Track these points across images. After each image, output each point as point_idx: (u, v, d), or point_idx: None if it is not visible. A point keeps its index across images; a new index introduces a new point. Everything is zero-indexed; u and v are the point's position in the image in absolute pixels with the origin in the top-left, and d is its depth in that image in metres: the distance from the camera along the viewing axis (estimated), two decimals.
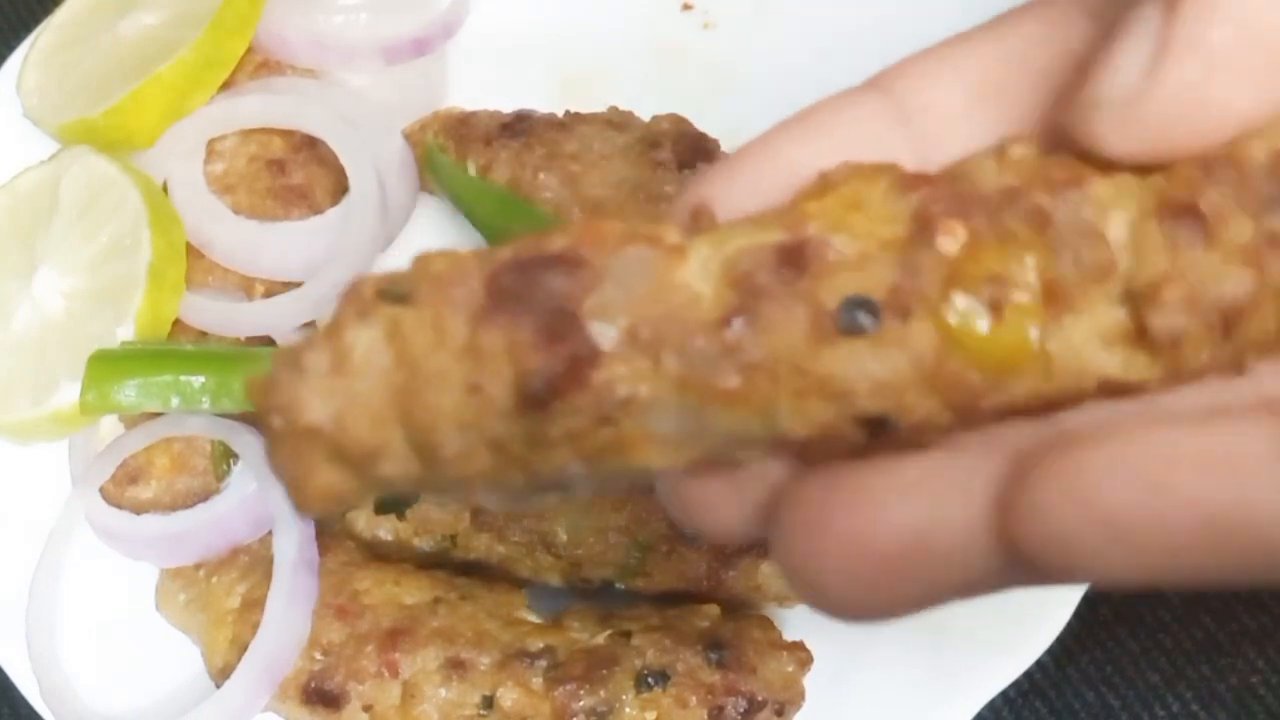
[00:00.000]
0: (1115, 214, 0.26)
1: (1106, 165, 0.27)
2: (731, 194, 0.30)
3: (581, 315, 0.25)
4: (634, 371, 0.26)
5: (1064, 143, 0.28)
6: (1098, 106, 0.27)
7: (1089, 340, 0.26)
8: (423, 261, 0.26)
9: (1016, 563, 0.26)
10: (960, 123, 0.30)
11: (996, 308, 0.26)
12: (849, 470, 0.28)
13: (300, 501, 0.27)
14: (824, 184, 0.28)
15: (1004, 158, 0.27)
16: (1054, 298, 0.26)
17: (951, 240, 0.26)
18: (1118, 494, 0.24)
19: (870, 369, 0.26)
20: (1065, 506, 0.25)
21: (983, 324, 0.26)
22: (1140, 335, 0.26)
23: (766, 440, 0.27)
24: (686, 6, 0.87)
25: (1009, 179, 0.27)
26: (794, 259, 0.26)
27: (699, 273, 0.26)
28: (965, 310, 0.26)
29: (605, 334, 0.25)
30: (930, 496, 0.27)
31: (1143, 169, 0.27)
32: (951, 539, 0.27)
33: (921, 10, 0.83)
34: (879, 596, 0.27)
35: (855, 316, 0.26)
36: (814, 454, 0.28)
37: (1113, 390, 0.27)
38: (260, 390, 0.27)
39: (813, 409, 0.26)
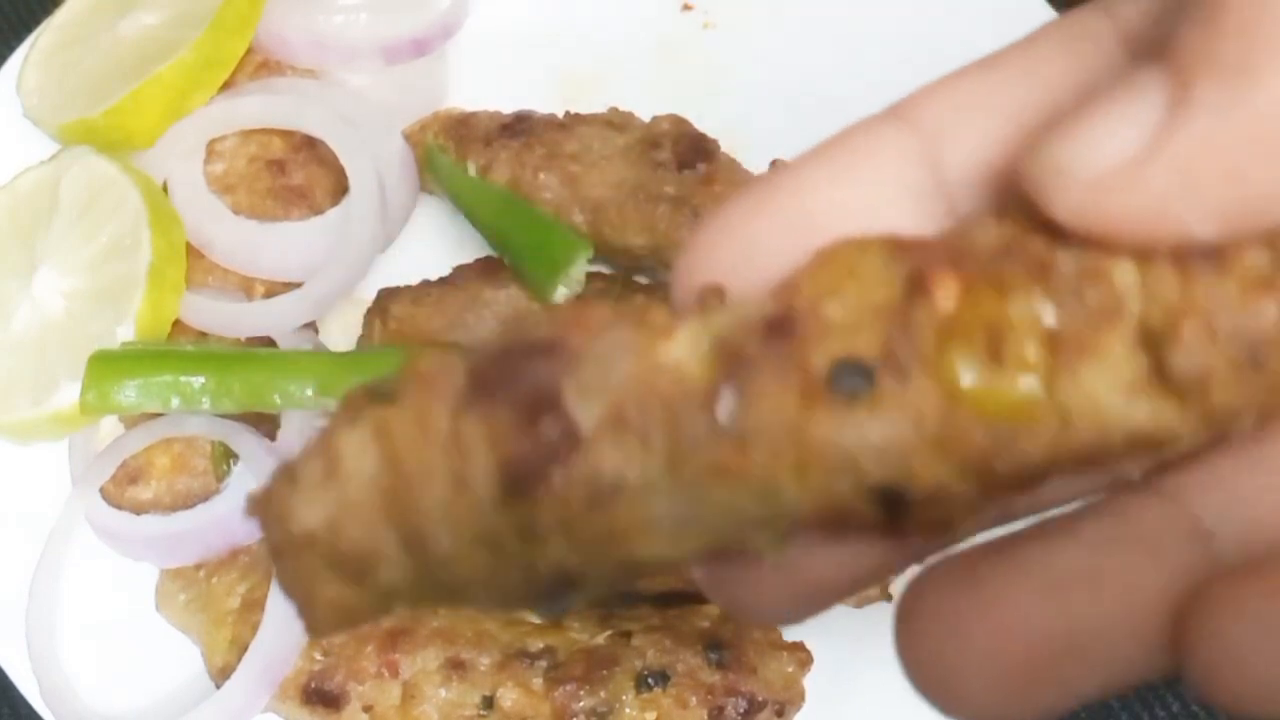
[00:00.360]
0: (1120, 256, 0.25)
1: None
2: (739, 247, 0.28)
3: (562, 396, 0.25)
4: (620, 452, 0.25)
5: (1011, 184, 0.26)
6: (1060, 175, 0.24)
7: (1108, 390, 0.25)
8: (410, 361, 0.26)
9: (1187, 672, 0.25)
10: (987, 166, 0.28)
11: (996, 359, 0.24)
12: (981, 560, 0.26)
13: (311, 622, 0.27)
14: (819, 258, 0.27)
15: (1004, 216, 0.26)
16: (1060, 345, 0.25)
17: (945, 293, 0.25)
18: None
19: (869, 434, 0.25)
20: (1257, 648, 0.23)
21: (983, 377, 0.25)
22: (1163, 379, 0.25)
23: (776, 522, 0.26)
24: (686, 6, 0.87)
25: (1008, 233, 0.26)
26: (782, 327, 0.25)
27: (687, 350, 0.25)
28: (963, 364, 0.25)
29: (587, 414, 0.25)
30: (1087, 594, 0.26)
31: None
32: (1112, 641, 0.25)
33: (922, 10, 0.83)
34: (1024, 700, 0.26)
35: (847, 378, 0.25)
36: (843, 536, 0.27)
37: (1146, 444, 0.25)
38: (258, 505, 0.27)
39: (815, 482, 0.25)
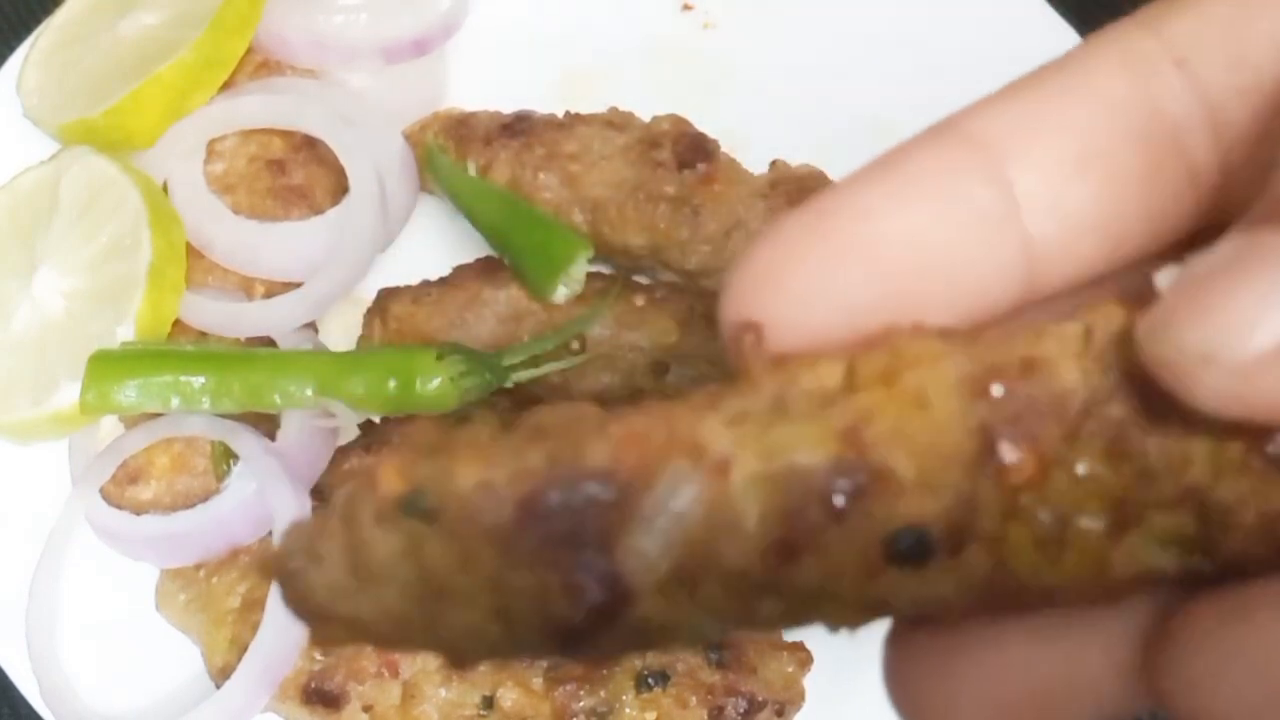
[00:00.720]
0: (1201, 436, 0.24)
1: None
2: (796, 281, 0.26)
3: (617, 558, 0.24)
4: (671, 605, 0.25)
5: (1140, 365, 0.24)
6: (1208, 362, 0.22)
7: (1150, 544, 0.25)
8: (449, 470, 0.25)
9: (1167, 707, 0.25)
10: (1059, 191, 0.26)
11: (1058, 542, 0.24)
12: (971, 625, 0.27)
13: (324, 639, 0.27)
14: (886, 351, 0.25)
15: (1089, 343, 0.25)
16: (1122, 522, 0.24)
17: (1018, 471, 0.24)
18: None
19: (915, 592, 0.25)
20: (1223, 677, 0.24)
21: (1041, 557, 0.25)
22: (1206, 547, 0.25)
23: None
24: (686, 6, 0.87)
25: (1091, 377, 0.24)
26: (850, 487, 0.24)
27: (744, 493, 0.24)
28: (1023, 545, 0.25)
29: (643, 576, 0.24)
30: (1068, 644, 0.26)
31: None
32: (1091, 685, 0.26)
33: (922, 11, 0.83)
34: None
35: (908, 551, 0.24)
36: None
37: (1165, 581, 0.25)
38: (277, 568, 0.26)
39: (849, 619, 0.26)
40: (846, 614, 0.26)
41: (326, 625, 0.26)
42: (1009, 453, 0.24)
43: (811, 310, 0.26)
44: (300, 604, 0.26)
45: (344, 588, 0.25)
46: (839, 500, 0.24)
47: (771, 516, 0.24)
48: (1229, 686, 0.24)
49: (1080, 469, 0.24)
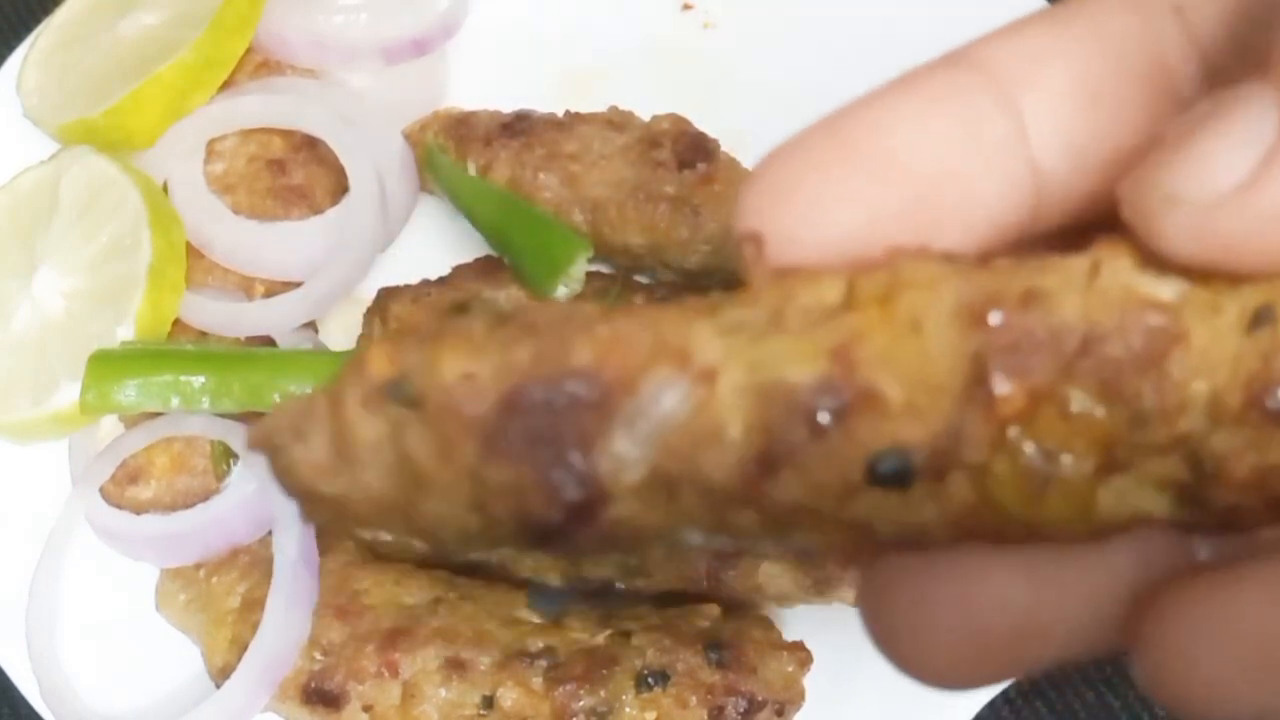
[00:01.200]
0: (1198, 383, 0.24)
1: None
2: (811, 189, 0.26)
3: (595, 459, 0.24)
4: (648, 509, 0.25)
5: (1121, 219, 0.25)
6: (1172, 202, 0.23)
7: (1139, 487, 0.25)
8: (435, 359, 0.25)
9: (1138, 664, 0.25)
10: (1066, 123, 0.27)
11: (1045, 479, 0.24)
12: (951, 554, 0.26)
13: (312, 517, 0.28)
14: (887, 271, 0.25)
15: (1094, 280, 0.25)
16: (1110, 465, 0.24)
17: (1007, 403, 0.24)
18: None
19: (895, 516, 0.25)
20: (1207, 649, 0.24)
21: (1025, 491, 0.24)
22: (1197, 495, 0.24)
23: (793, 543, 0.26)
24: (686, 6, 0.87)
25: (1093, 313, 0.24)
26: (835, 405, 0.24)
27: (729, 403, 0.24)
28: (1008, 477, 0.24)
29: (621, 479, 0.24)
30: (1049, 583, 0.26)
31: (1206, 275, 0.24)
32: (1066, 626, 0.26)
33: (922, 10, 0.83)
34: (982, 670, 0.26)
35: (888, 474, 0.24)
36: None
37: (1154, 524, 0.25)
38: (261, 440, 0.26)
39: (831, 539, 0.26)
40: (824, 534, 0.25)
41: (311, 502, 0.26)
42: (1000, 384, 0.24)
43: (820, 223, 0.25)
44: (286, 479, 0.26)
45: (328, 467, 0.25)
46: (823, 418, 0.24)
47: (754, 429, 0.24)
48: (1208, 657, 0.24)
49: (1072, 407, 0.24)
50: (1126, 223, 0.24)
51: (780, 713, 0.65)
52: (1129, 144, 0.26)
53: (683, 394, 0.24)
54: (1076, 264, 0.25)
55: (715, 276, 0.77)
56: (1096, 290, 0.24)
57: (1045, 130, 0.26)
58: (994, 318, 0.24)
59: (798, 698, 0.65)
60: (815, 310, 0.25)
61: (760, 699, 0.64)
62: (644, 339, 0.24)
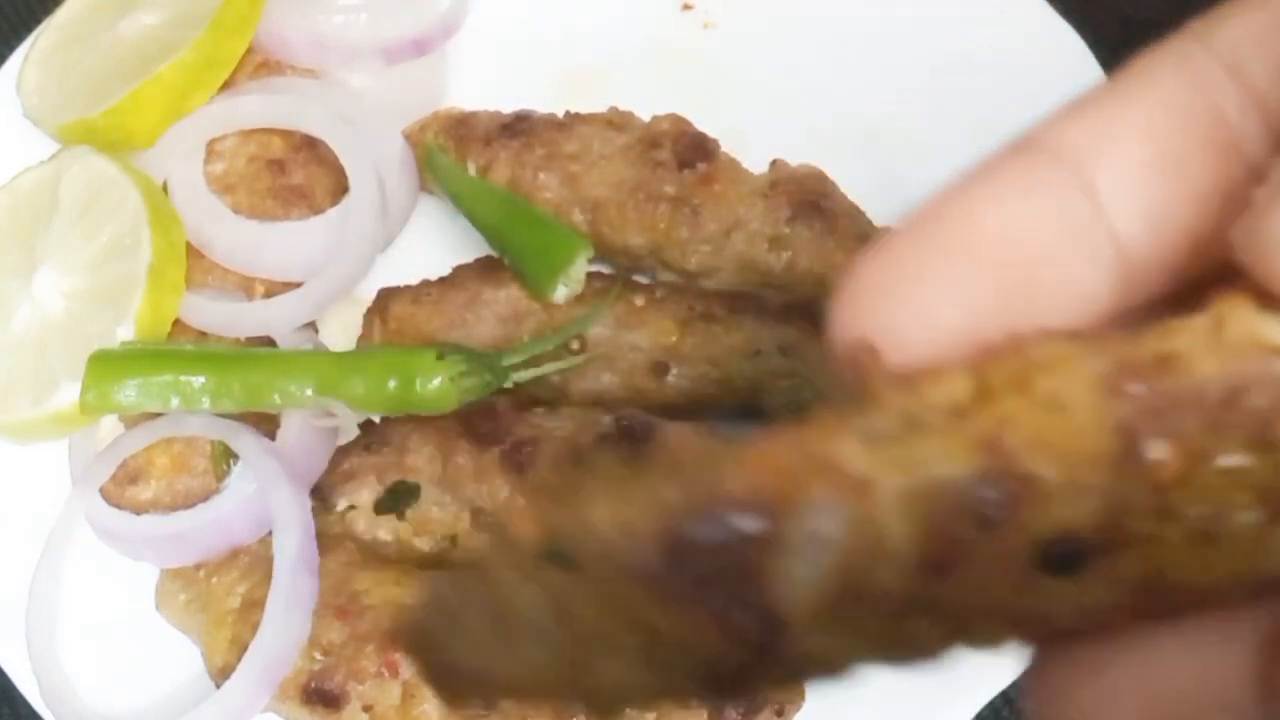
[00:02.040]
0: None
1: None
2: (905, 291, 0.26)
3: (768, 590, 0.23)
4: (824, 636, 0.24)
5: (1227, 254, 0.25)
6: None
7: None
8: (585, 514, 0.24)
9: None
10: (1143, 196, 0.27)
11: (1213, 538, 0.24)
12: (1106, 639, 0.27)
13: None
14: (1016, 357, 0.25)
15: (1221, 333, 0.24)
16: (1276, 513, 0.24)
17: (1164, 468, 0.24)
18: None
19: (1071, 601, 0.25)
20: None
21: (1196, 553, 0.24)
22: None
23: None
24: (686, 6, 0.87)
25: (1227, 365, 0.24)
26: (997, 496, 0.24)
27: (890, 511, 0.24)
28: (1177, 542, 0.24)
29: (797, 606, 0.24)
30: (1204, 649, 0.26)
31: None
32: (1225, 693, 0.26)
33: (921, 10, 0.83)
34: None
35: (1061, 558, 0.24)
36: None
37: None
38: (415, 648, 0.26)
39: (1004, 635, 0.25)
40: (999, 629, 0.25)
41: (467, 687, 0.25)
42: (1154, 449, 0.24)
43: (924, 322, 0.25)
44: (444, 677, 0.25)
45: (488, 649, 0.25)
46: (986, 511, 0.24)
47: (919, 533, 0.24)
48: None
49: (1227, 461, 0.24)
50: (1241, 268, 0.24)
51: (780, 713, 0.65)
52: (1205, 208, 0.27)
53: (843, 509, 0.24)
54: (1199, 322, 0.24)
55: (715, 276, 0.77)
56: (1226, 343, 0.24)
57: (1123, 205, 0.27)
58: (1134, 387, 0.24)
59: (798, 698, 0.65)
60: (949, 406, 0.24)
61: (760, 699, 0.64)
62: (792, 460, 0.24)
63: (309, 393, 0.69)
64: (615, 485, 0.24)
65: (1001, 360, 0.25)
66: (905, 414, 0.24)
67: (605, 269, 0.78)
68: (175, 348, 0.71)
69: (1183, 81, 0.27)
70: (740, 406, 0.74)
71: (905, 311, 0.26)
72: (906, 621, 0.24)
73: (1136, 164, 0.27)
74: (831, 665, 0.25)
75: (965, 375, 0.25)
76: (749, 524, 0.23)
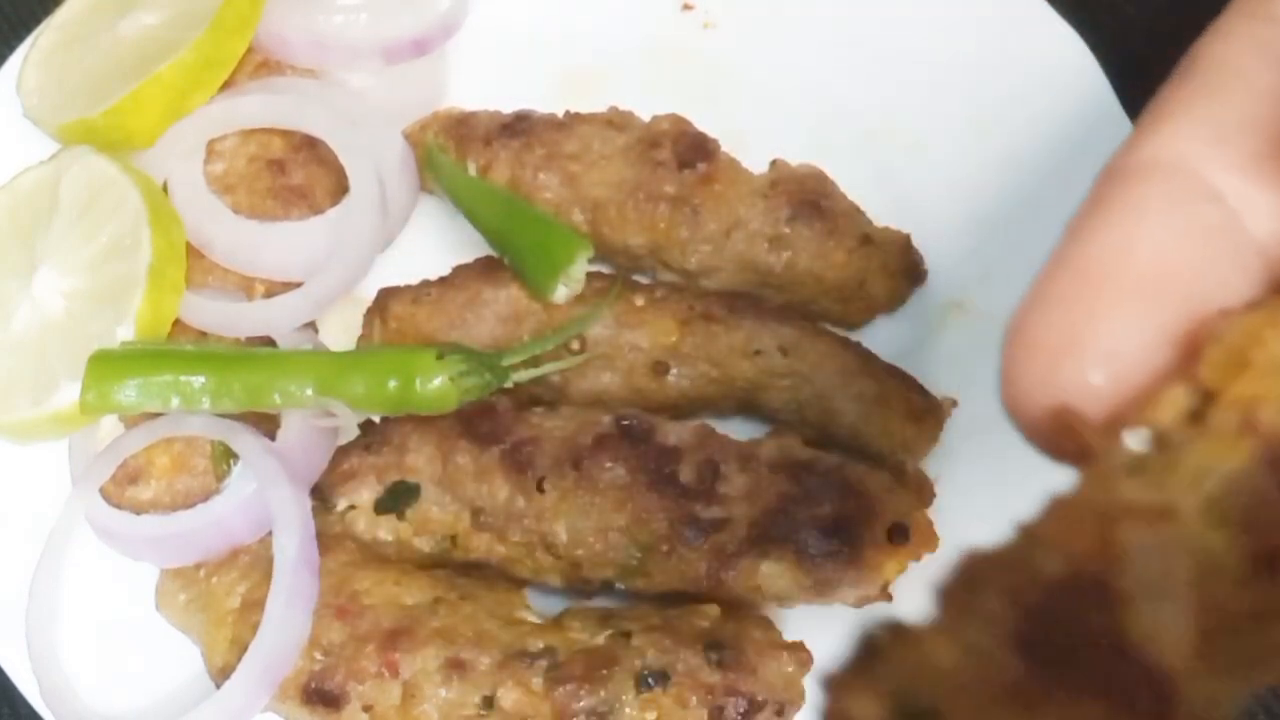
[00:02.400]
0: None
1: None
2: (1085, 337, 0.25)
3: (1141, 646, 0.23)
4: (1212, 679, 0.23)
5: None
6: None
7: None
8: (924, 657, 0.23)
9: None
10: (1265, 186, 0.27)
11: None
12: None
13: None
14: (1217, 347, 0.24)
15: None
16: None
17: None
18: None
19: None
20: None
21: None
22: None
23: None
24: (686, 6, 0.87)
25: None
26: None
27: (1199, 524, 0.23)
28: None
29: (1172, 649, 0.23)
30: None
31: None
32: None
33: (921, 10, 0.83)
34: None
35: None
36: None
37: None
38: None
39: None
40: None
41: None
42: None
43: (1110, 368, 0.25)
44: None
45: None
46: None
47: (1236, 535, 0.23)
48: None
49: None
50: None
51: (780, 713, 0.65)
52: None
53: (1161, 540, 0.23)
54: None
55: (715, 276, 0.77)
56: None
57: (1252, 201, 0.27)
58: None
59: (798, 698, 0.65)
60: (1183, 418, 0.24)
61: (760, 699, 0.64)
62: (1086, 522, 0.23)
63: (309, 393, 0.69)
64: (938, 617, 0.23)
65: (1203, 356, 0.24)
66: (1152, 441, 0.24)
67: (605, 269, 0.78)
68: (175, 348, 0.71)
69: (1265, 61, 0.27)
70: (740, 406, 0.75)
71: (1090, 365, 0.25)
72: (1271, 632, 0.24)
73: (1252, 158, 0.27)
74: (1225, 710, 0.24)
75: (1178, 386, 0.24)
76: (1090, 593, 0.23)
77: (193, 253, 0.75)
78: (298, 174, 0.79)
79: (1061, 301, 0.26)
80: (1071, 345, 0.25)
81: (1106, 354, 0.25)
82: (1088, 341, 0.25)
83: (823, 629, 0.69)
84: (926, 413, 0.72)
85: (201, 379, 0.69)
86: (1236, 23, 0.28)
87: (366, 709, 0.65)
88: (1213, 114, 0.27)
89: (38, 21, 0.83)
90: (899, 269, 0.77)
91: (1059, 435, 0.25)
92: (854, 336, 0.76)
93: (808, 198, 0.76)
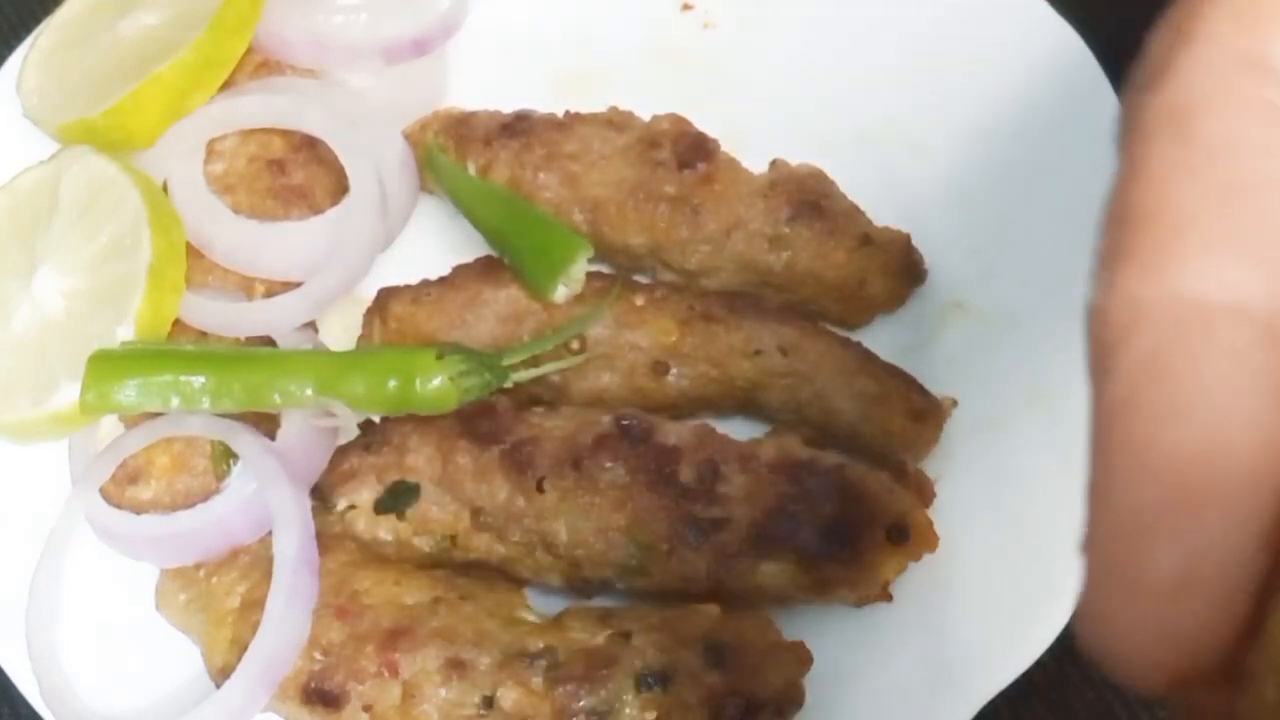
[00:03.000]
0: None
1: None
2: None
3: None
4: None
5: None
6: None
7: None
8: None
9: None
10: None
11: None
12: None
13: None
14: None
15: None
16: None
17: None
18: None
19: None
20: None
21: None
22: None
23: None
24: (686, 6, 0.87)
25: None
26: None
27: None
28: None
29: None
30: None
31: None
32: None
33: (921, 10, 0.83)
34: None
35: None
36: None
37: None
38: None
39: None
40: None
41: None
42: None
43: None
44: None
45: None
46: None
47: None
48: None
49: None
50: None
51: (780, 713, 0.65)
52: None
53: None
54: None
55: (715, 276, 0.77)
56: None
57: None
58: None
59: (798, 698, 0.65)
60: None
61: (760, 699, 0.64)
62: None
63: (309, 393, 0.69)
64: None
65: None
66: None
67: (605, 269, 0.78)
68: (175, 348, 0.71)
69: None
70: (740, 406, 0.75)
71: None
72: None
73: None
74: None
75: None
76: None
77: (193, 253, 0.75)
78: (298, 174, 0.79)
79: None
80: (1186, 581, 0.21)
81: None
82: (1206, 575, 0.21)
83: (823, 629, 0.69)
84: (926, 413, 0.73)
85: (201, 379, 0.69)
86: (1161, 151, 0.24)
87: (366, 709, 0.65)
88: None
89: (38, 21, 0.83)
90: (899, 269, 0.77)
91: (1171, 686, 0.22)
92: (854, 336, 0.76)
93: (808, 198, 0.76)
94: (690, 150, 0.77)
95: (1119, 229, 0.23)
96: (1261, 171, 0.23)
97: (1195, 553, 0.21)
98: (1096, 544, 0.22)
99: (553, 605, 0.70)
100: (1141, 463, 0.22)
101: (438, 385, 0.69)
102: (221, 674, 0.67)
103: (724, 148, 0.78)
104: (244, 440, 0.70)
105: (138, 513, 0.71)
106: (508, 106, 0.81)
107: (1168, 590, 0.21)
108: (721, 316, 0.74)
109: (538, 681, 0.64)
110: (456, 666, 0.65)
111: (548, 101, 0.81)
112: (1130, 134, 0.24)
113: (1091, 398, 0.23)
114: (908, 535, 0.67)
